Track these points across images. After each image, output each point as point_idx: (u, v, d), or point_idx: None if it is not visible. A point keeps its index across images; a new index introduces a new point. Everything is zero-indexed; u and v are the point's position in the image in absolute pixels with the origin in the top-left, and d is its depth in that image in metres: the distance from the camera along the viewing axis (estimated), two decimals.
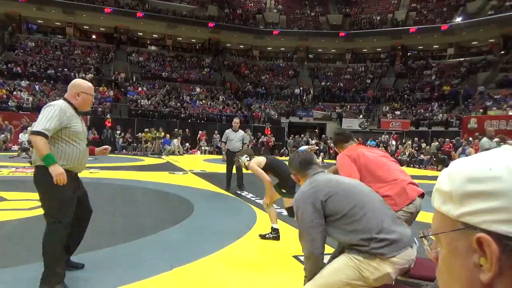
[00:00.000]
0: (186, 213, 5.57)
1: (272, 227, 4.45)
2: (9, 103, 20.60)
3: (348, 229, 1.96)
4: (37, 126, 2.79)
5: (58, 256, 2.84)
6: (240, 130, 8.24)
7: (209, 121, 24.44)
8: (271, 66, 35.19)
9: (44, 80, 24.21)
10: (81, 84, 3.11)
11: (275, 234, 4.37)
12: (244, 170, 4.90)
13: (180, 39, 35.89)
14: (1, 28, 29.38)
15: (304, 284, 2.09)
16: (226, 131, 8.26)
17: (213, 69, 32.39)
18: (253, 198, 7.07)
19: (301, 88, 30.95)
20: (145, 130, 21.00)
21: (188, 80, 29.66)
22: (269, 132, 23.33)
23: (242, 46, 37.25)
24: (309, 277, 2.05)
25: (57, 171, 2.75)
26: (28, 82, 23.63)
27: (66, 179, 2.78)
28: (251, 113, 26.68)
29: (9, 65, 24.91)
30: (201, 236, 4.41)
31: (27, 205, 5.48)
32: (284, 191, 4.30)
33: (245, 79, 32.12)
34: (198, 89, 28.38)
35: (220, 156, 17.29)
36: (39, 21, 32.49)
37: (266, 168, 4.48)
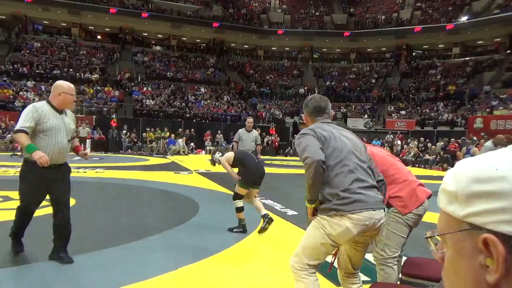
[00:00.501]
0: (191, 213, 5.58)
1: (262, 215, 4.63)
2: (15, 103, 20.75)
3: (324, 180, 2.09)
4: (17, 126, 3.28)
5: (14, 227, 3.49)
6: (253, 130, 7.79)
7: (213, 121, 24.48)
8: (276, 66, 35.17)
9: (50, 81, 24.25)
10: (62, 85, 3.48)
11: (267, 219, 4.55)
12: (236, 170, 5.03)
13: (185, 39, 35.93)
14: (8, 28, 29.60)
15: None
16: (240, 130, 7.80)
17: (217, 69, 32.42)
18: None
19: (305, 88, 30.90)
20: (147, 129, 21.16)
21: (193, 80, 29.70)
22: (274, 132, 23.34)
23: (246, 46, 37.22)
24: (309, 185, 2.09)
25: (38, 155, 3.13)
26: (34, 83, 23.77)
27: (48, 161, 3.15)
28: (256, 113, 26.68)
29: (15, 65, 25.07)
30: (206, 236, 4.42)
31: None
32: (245, 182, 4.72)
33: (249, 79, 32.13)
34: (202, 89, 28.43)
35: None
36: (44, 22, 32.66)
37: (234, 163, 4.92)
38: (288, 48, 37.27)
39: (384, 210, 2.15)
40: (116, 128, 20.29)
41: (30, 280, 2.98)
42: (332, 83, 32.37)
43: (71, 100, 3.49)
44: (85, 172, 9.75)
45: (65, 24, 32.71)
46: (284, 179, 10.89)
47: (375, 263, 2.69)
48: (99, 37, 34.62)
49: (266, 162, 15.57)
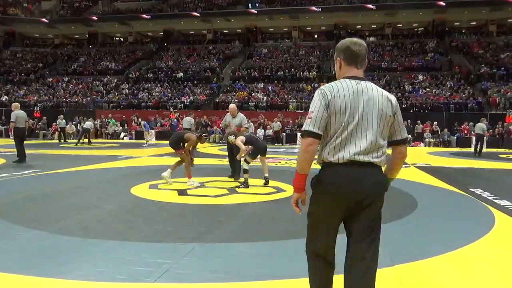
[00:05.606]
0: (408, 209, 5.32)
1: (265, 175, 6.92)
2: (249, 103, 24.40)
3: None
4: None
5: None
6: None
7: (433, 111, 22.49)
8: None
9: (275, 81, 27.42)
10: (230, 107, 7.85)
11: (265, 182, 6.83)
12: None
13: (400, 25, 34.23)
14: (242, 40, 35.01)
15: None
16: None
17: (438, 53, 29.54)
18: (490, 198, 6.15)
19: None
20: None
21: (410, 68, 27.99)
22: (511, 120, 19.75)
23: (474, 23, 32.55)
24: None
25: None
26: (263, 84, 27.30)
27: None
28: (487, 99, 23.04)
29: (249, 70, 29.38)
30: (426, 235, 4.14)
31: (265, 190, 6.40)
32: (253, 155, 6.78)
33: (478, 60, 27.93)
34: (420, 77, 26.46)
35: (448, 149, 15.66)
36: (270, 30, 37.03)
37: (246, 143, 6.86)
38: None
39: None
40: None
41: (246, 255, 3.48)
42: None
43: (229, 112, 7.68)
44: None
45: (286, 29, 36.17)
46: None
47: None
48: (315, 36, 36.80)
49: (501, 156, 13.37)
